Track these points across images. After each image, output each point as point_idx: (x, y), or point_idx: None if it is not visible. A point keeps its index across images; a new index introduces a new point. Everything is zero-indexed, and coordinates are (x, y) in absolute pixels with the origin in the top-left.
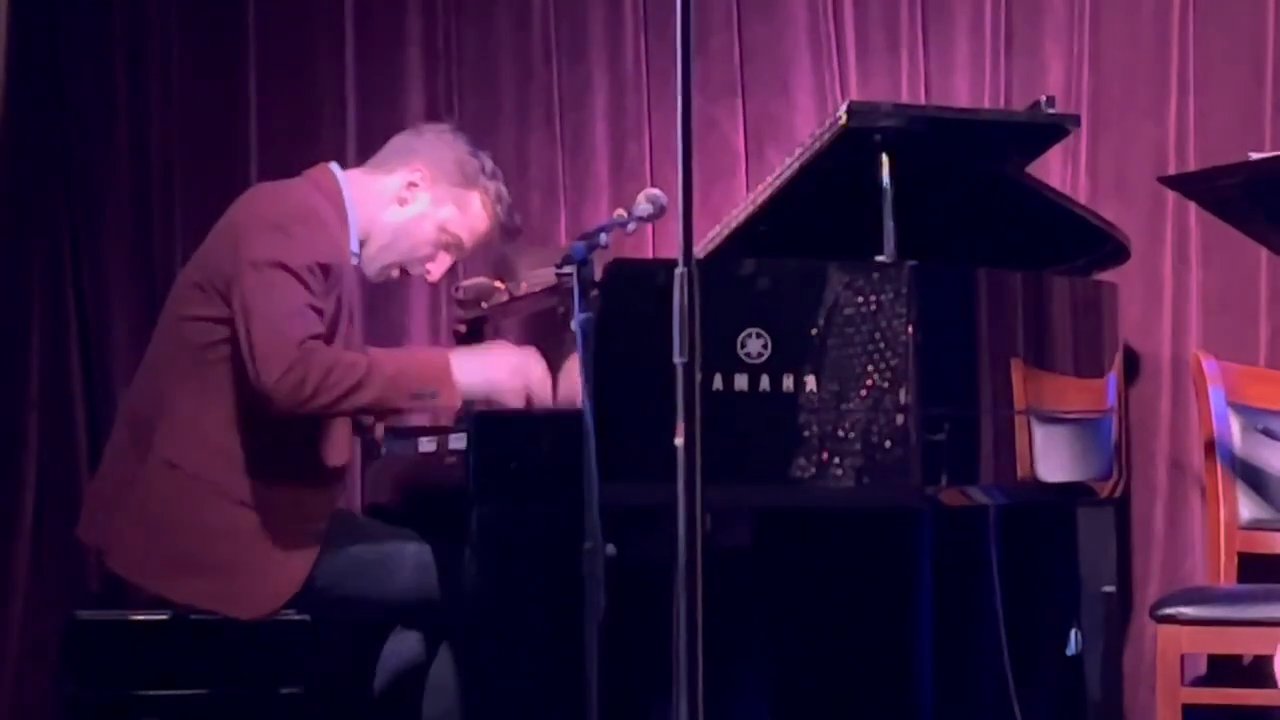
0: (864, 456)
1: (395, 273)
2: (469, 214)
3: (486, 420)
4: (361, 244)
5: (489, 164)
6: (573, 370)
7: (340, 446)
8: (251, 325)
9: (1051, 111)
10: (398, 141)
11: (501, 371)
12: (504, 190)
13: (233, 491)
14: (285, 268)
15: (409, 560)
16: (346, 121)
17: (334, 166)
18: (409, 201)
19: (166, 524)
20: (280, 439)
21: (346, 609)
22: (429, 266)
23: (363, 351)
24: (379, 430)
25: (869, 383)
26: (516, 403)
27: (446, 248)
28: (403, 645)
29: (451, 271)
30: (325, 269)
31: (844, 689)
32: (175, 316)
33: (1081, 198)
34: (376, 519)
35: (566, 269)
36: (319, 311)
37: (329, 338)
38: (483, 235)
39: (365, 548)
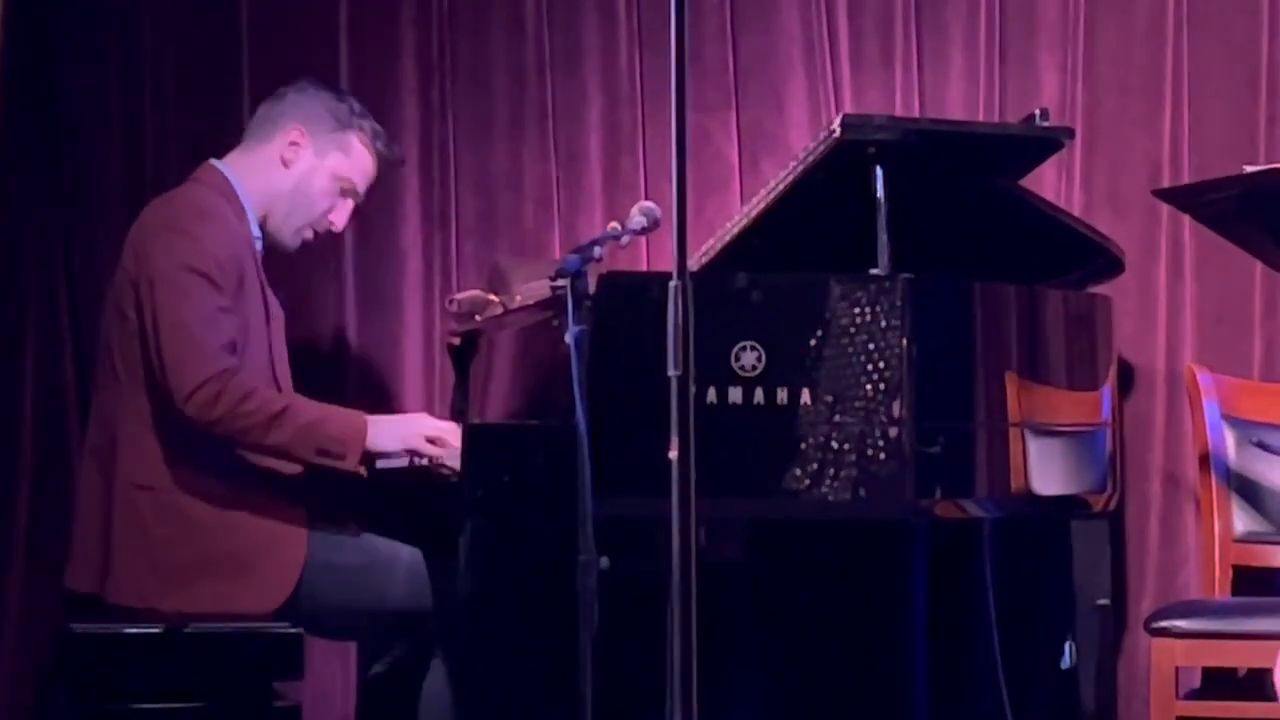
0: (858, 469)
1: (308, 234)
2: (353, 155)
3: (480, 433)
4: (264, 221)
5: (355, 104)
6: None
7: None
8: (162, 335)
9: (1046, 124)
10: (262, 111)
11: (418, 436)
12: (377, 126)
13: (206, 496)
14: (189, 268)
15: (402, 572)
16: None
17: (214, 161)
18: (293, 161)
19: (157, 544)
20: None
21: (339, 621)
22: (331, 218)
23: (284, 370)
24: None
25: (863, 396)
26: (435, 455)
27: (343, 194)
28: (395, 657)
29: (446, 285)
30: (229, 260)
31: (838, 702)
32: (105, 344)
33: (1076, 210)
34: (369, 531)
35: (560, 282)
36: (230, 313)
37: (243, 341)
38: (371, 173)
39: (358, 560)
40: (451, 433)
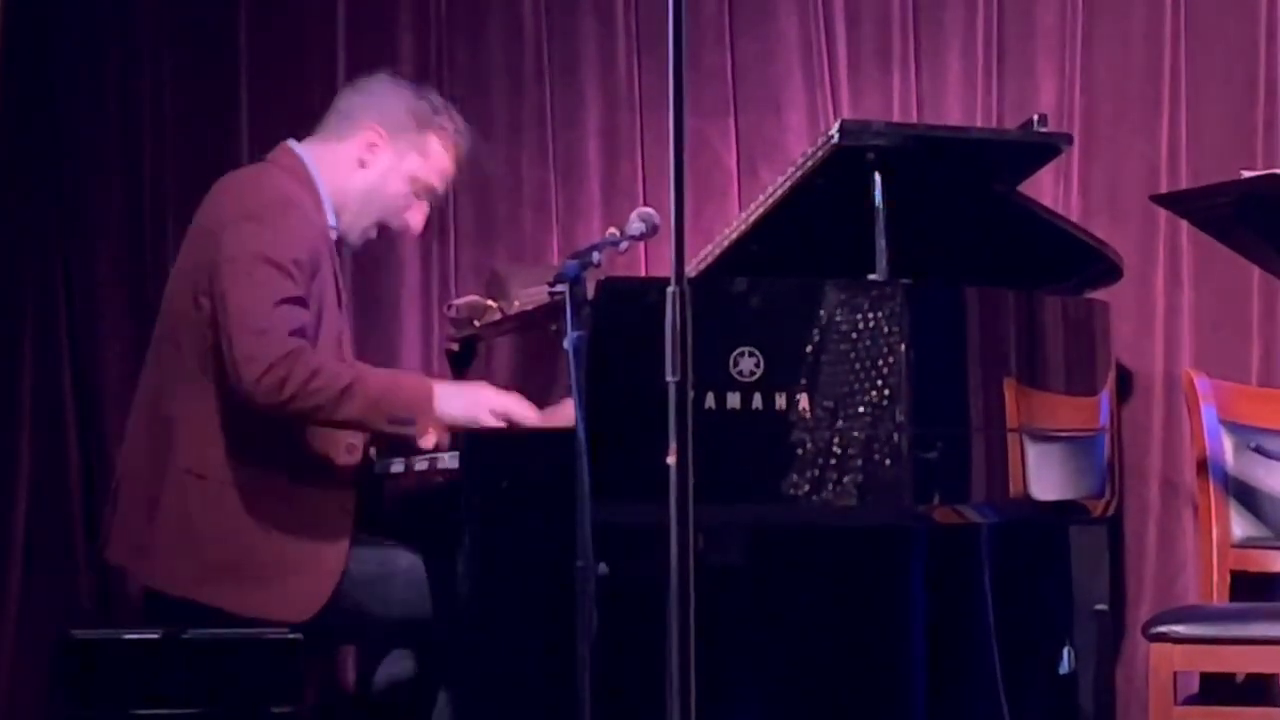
0: (856, 475)
1: (374, 232)
2: (432, 157)
3: (479, 439)
4: (337, 214)
5: (437, 100)
6: (558, 412)
7: (353, 443)
8: (231, 322)
9: (1044, 130)
10: (343, 104)
11: (483, 410)
12: (459, 119)
13: (258, 493)
14: (266, 259)
15: (401, 578)
16: None
17: (293, 144)
18: (371, 162)
19: (201, 534)
20: (287, 438)
21: (342, 626)
22: (407, 218)
23: (349, 352)
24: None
25: (861, 401)
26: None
27: (419, 195)
28: (396, 664)
29: (444, 290)
30: (307, 254)
31: (837, 707)
32: (170, 325)
33: (1074, 216)
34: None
35: (559, 287)
36: (302, 303)
37: (315, 328)
38: (451, 174)
39: (358, 566)
40: (517, 403)
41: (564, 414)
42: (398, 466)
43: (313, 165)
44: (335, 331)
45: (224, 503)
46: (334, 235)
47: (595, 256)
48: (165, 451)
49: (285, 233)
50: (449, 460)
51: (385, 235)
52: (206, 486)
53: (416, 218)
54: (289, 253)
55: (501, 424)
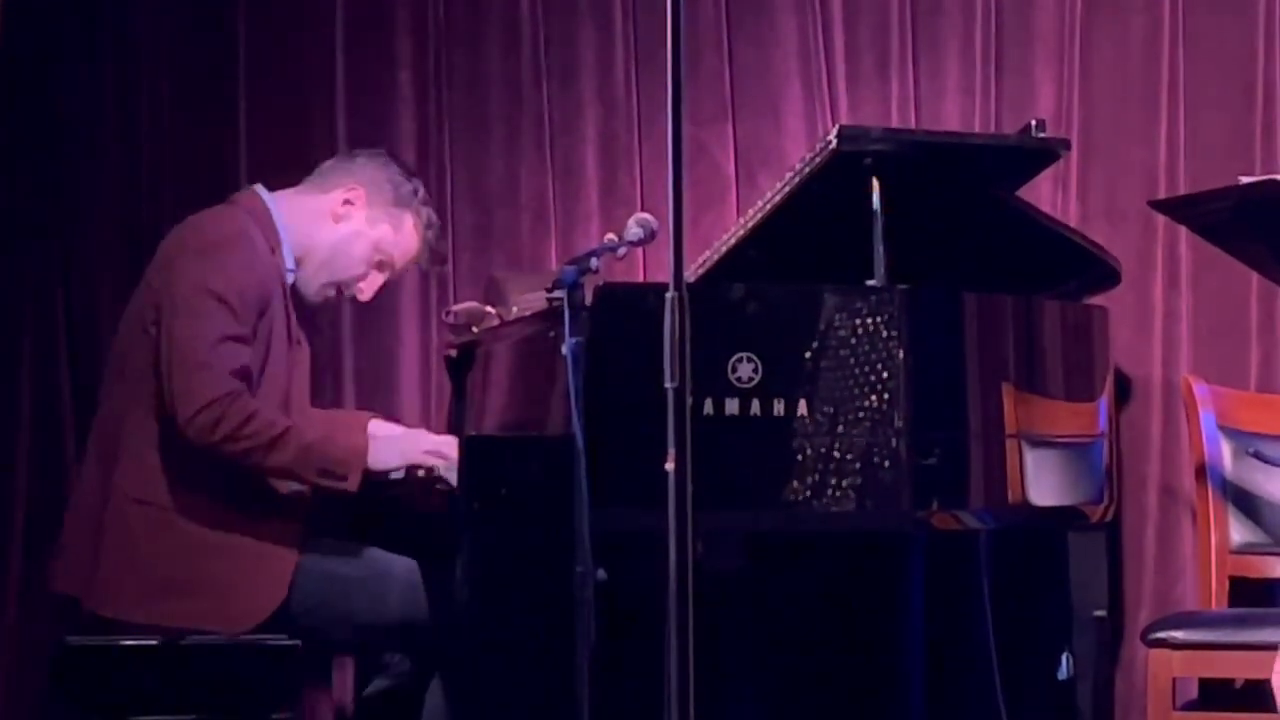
0: (854, 480)
1: (331, 292)
2: (402, 234)
3: (477, 444)
4: (298, 262)
5: (421, 189)
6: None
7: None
8: (173, 355)
9: (1042, 135)
10: (332, 163)
11: (418, 452)
12: (434, 216)
13: (199, 515)
14: (211, 292)
15: (399, 583)
16: (337, 145)
17: (259, 189)
18: (344, 218)
19: (145, 557)
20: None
21: (337, 632)
22: (360, 286)
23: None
24: None
25: (860, 407)
26: (436, 464)
27: (379, 266)
28: (392, 670)
29: (442, 297)
30: (254, 291)
31: (836, 712)
32: (121, 355)
33: (1072, 221)
34: (365, 542)
35: (557, 293)
36: (244, 341)
37: (260, 366)
38: (413, 256)
39: (355, 571)
40: (450, 446)
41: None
42: (397, 473)
43: (277, 210)
44: (283, 371)
45: (166, 527)
46: (290, 278)
47: (593, 262)
48: (111, 479)
49: (233, 268)
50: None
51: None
52: (149, 513)
53: (369, 287)
54: (235, 288)
55: (439, 461)
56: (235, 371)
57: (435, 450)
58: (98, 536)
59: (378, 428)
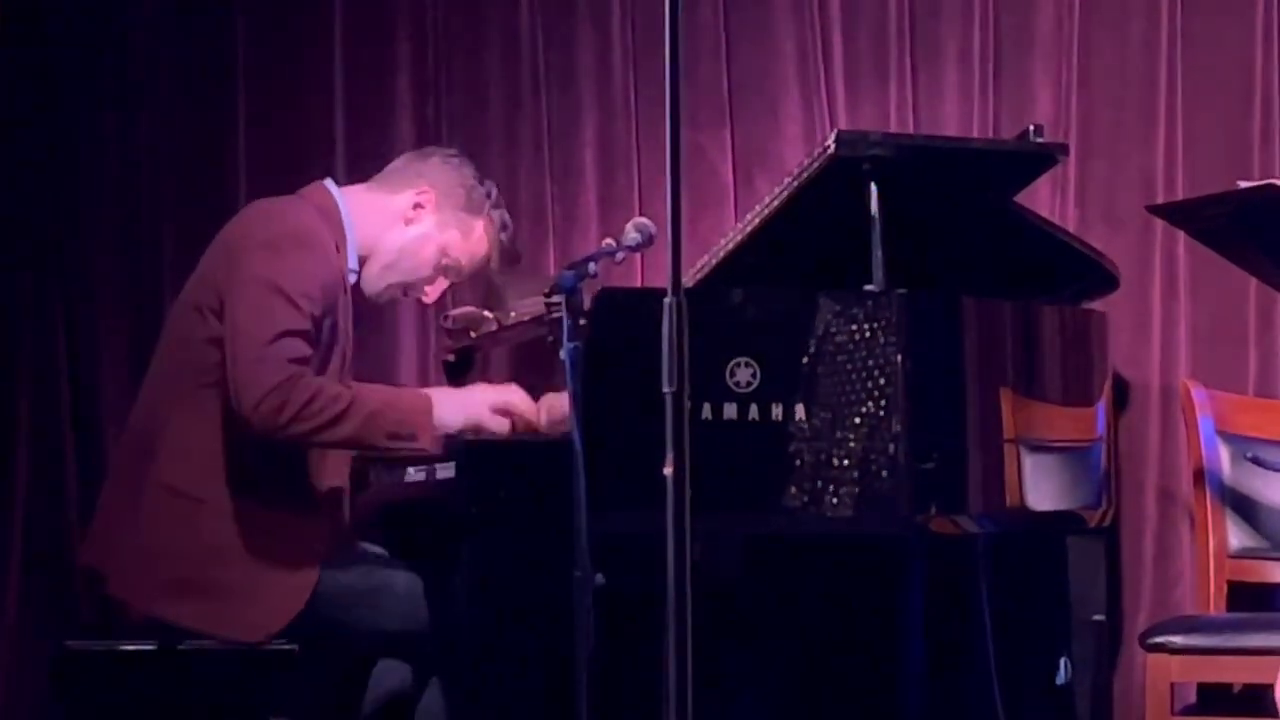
0: (853, 485)
1: (398, 293)
2: (471, 239)
3: (476, 449)
4: (362, 262)
5: (494, 192)
6: (555, 401)
7: (334, 469)
8: (236, 345)
9: (1040, 140)
10: (403, 162)
11: (483, 410)
12: (507, 218)
13: (232, 514)
14: (277, 289)
15: (399, 590)
16: (336, 150)
17: (329, 184)
18: (414, 221)
19: (168, 548)
20: (275, 461)
21: (336, 639)
22: (427, 289)
23: (349, 381)
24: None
25: (858, 412)
26: (501, 431)
27: (445, 271)
28: (391, 675)
29: (440, 300)
30: (319, 291)
31: (834, 717)
32: (173, 339)
33: (1070, 226)
34: (367, 551)
35: (555, 298)
36: (306, 337)
37: (321, 363)
38: (481, 261)
39: (356, 577)
40: (515, 394)
41: (560, 405)
42: (393, 477)
43: (346, 208)
44: (339, 371)
45: (191, 520)
46: (352, 279)
47: (592, 267)
48: (147, 463)
49: (301, 266)
50: (445, 470)
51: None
52: (179, 501)
53: (434, 291)
54: (301, 286)
55: (504, 422)
56: (294, 360)
57: (501, 406)
58: (129, 519)
59: (440, 391)
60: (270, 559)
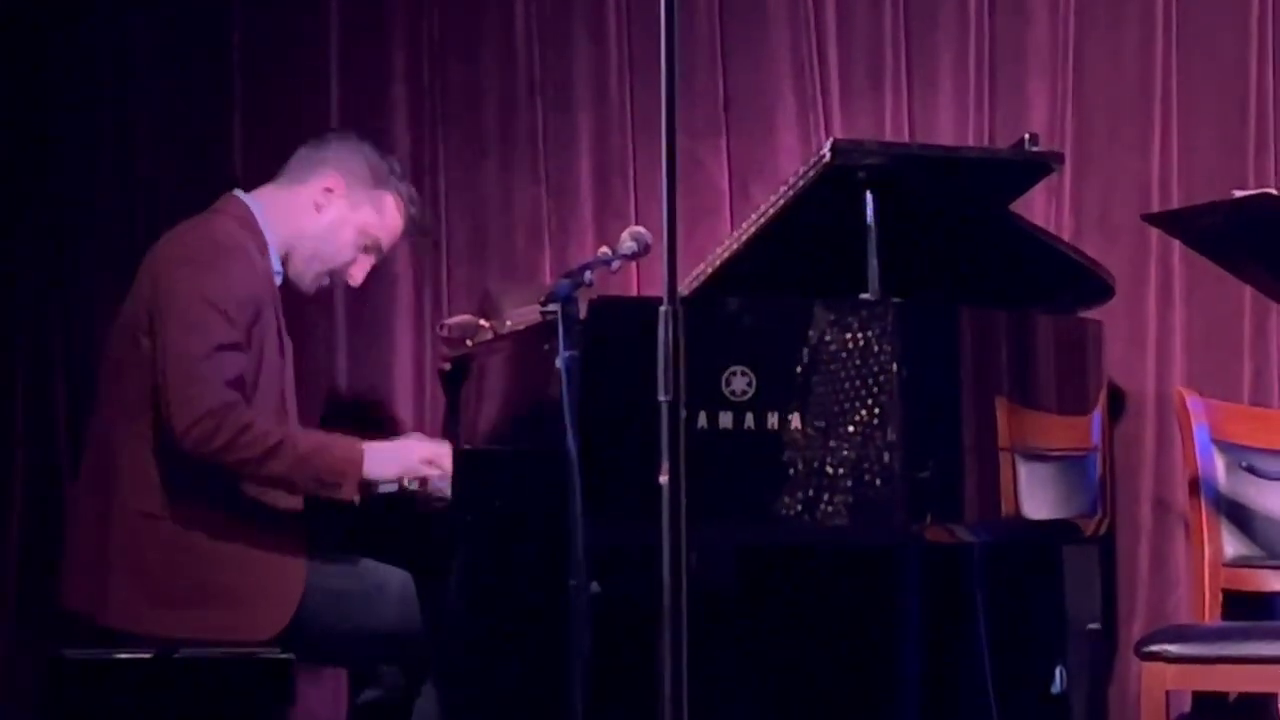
0: (848, 494)
1: (325, 280)
2: (385, 215)
3: (471, 457)
4: (285, 260)
5: (397, 166)
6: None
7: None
8: (168, 366)
9: (1035, 149)
10: (304, 153)
11: (414, 461)
12: (414, 191)
13: (205, 527)
14: (208, 303)
15: (393, 595)
16: None
17: (239, 192)
18: (325, 207)
19: (159, 570)
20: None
21: (331, 644)
22: (351, 272)
23: (290, 400)
24: None
25: (854, 420)
26: (434, 476)
27: (366, 250)
28: (385, 682)
29: (437, 310)
30: (248, 298)
31: None
32: (113, 366)
33: (1065, 235)
34: (359, 555)
35: (551, 307)
36: (239, 349)
37: (255, 374)
38: (398, 235)
39: (350, 582)
40: (445, 455)
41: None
42: (390, 486)
43: (260, 212)
44: (276, 379)
45: (174, 539)
46: (278, 280)
47: (587, 276)
48: (112, 493)
49: (226, 277)
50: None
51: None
52: (155, 525)
53: (359, 271)
54: (230, 296)
55: (438, 471)
56: (231, 381)
57: (431, 459)
58: (104, 551)
59: (372, 443)
60: (255, 560)
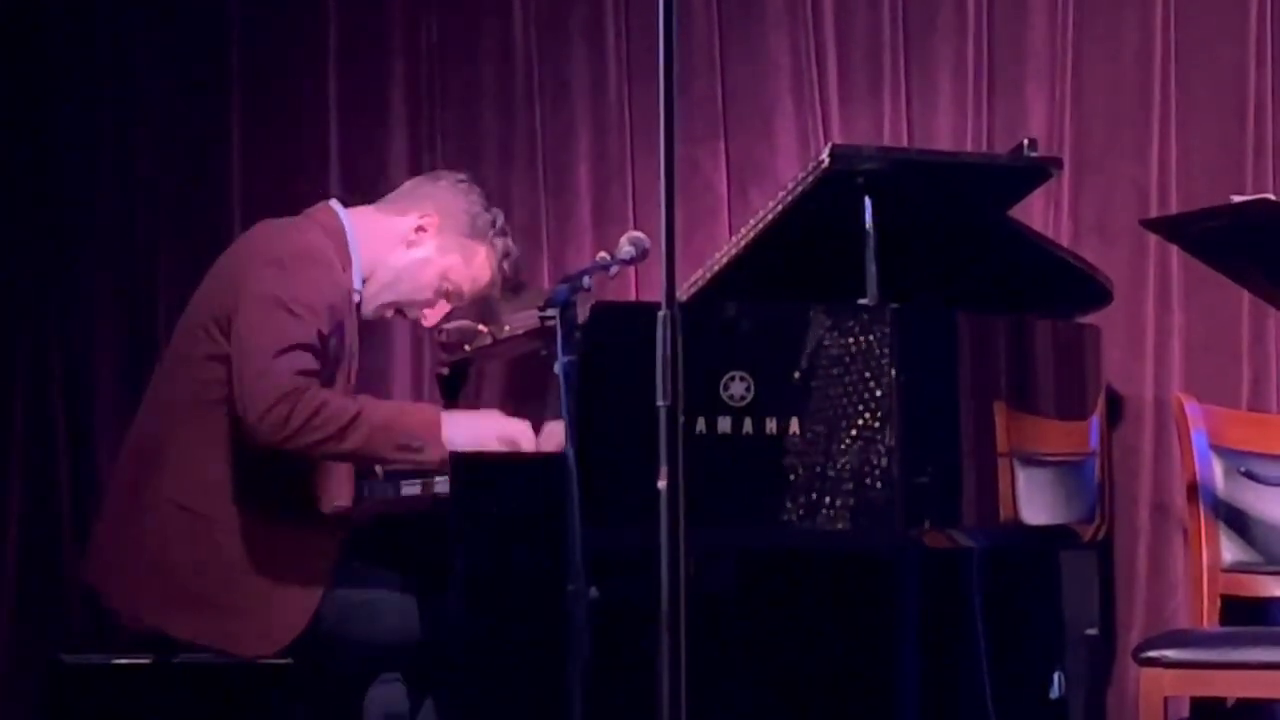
0: (846, 499)
1: (390, 312)
2: (473, 266)
3: (469, 463)
4: (365, 282)
5: (500, 220)
6: (554, 429)
7: (340, 489)
8: (242, 358)
9: (1033, 154)
10: (412, 185)
11: (490, 439)
12: (512, 246)
13: (240, 531)
14: (283, 305)
15: (393, 603)
16: (330, 165)
17: (335, 204)
18: (416, 245)
19: (176, 563)
20: (281, 479)
21: (332, 651)
22: (425, 311)
23: (353, 396)
24: (379, 470)
25: (852, 425)
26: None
27: (446, 295)
28: (386, 691)
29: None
30: (326, 308)
31: None
32: (178, 356)
33: (1064, 240)
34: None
35: (550, 312)
36: (312, 350)
37: (326, 380)
38: (483, 288)
39: (350, 590)
40: (523, 434)
41: (559, 435)
42: (388, 491)
43: (351, 228)
44: (344, 389)
45: (202, 536)
46: (356, 299)
47: (586, 280)
48: (152, 479)
49: (307, 283)
50: (440, 485)
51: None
52: (188, 519)
53: (434, 314)
54: (308, 301)
55: (508, 449)
56: (301, 372)
57: (508, 437)
58: (132, 534)
59: (449, 411)
60: (278, 576)
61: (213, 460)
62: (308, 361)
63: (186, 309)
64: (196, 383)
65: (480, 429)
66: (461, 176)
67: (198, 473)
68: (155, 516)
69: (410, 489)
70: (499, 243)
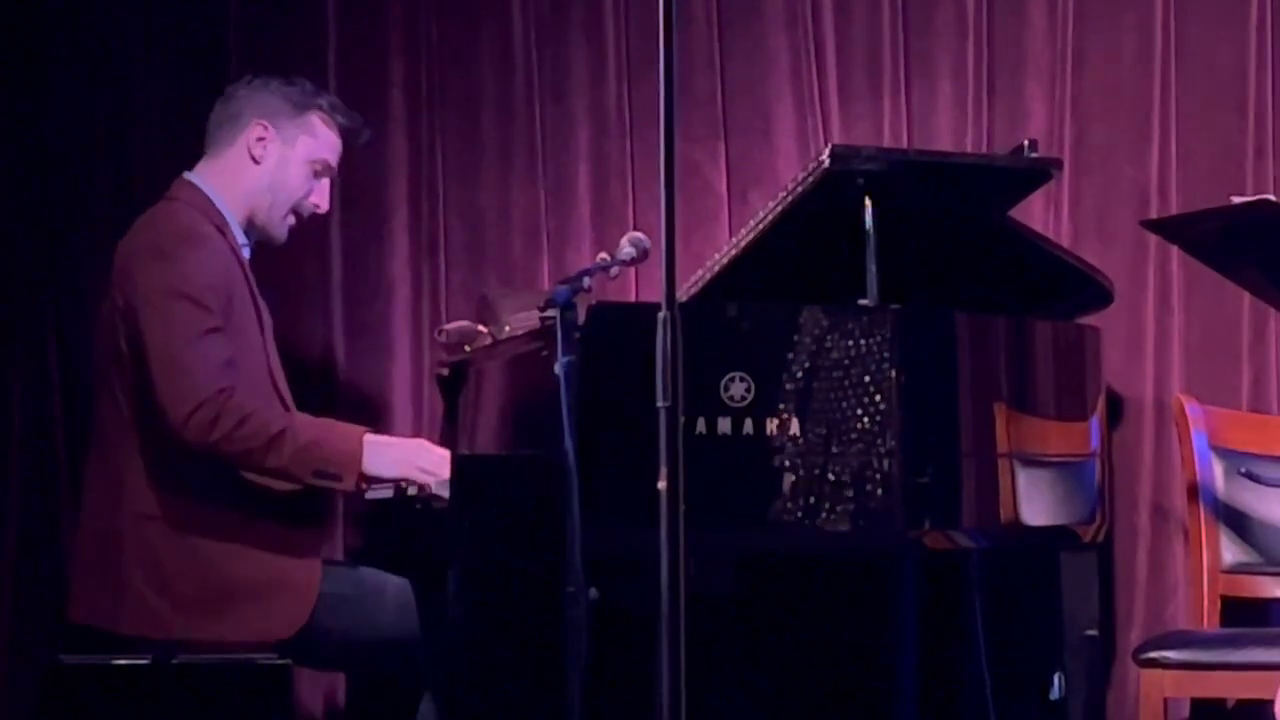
0: (847, 500)
1: (292, 220)
2: (320, 135)
3: (469, 464)
4: (249, 221)
5: (307, 84)
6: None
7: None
8: (154, 362)
9: (1034, 155)
10: (216, 116)
11: (411, 465)
12: (333, 98)
13: (209, 526)
14: (178, 293)
15: (391, 602)
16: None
17: (188, 175)
18: (265, 155)
19: (169, 573)
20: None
21: (330, 650)
22: (314, 200)
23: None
24: None
25: (852, 426)
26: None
27: (318, 175)
28: (383, 689)
29: (435, 315)
30: (219, 281)
31: None
32: (101, 375)
33: (1064, 241)
34: (358, 562)
35: (549, 312)
36: (220, 332)
37: (241, 354)
38: (340, 147)
39: (348, 586)
40: (445, 465)
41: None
42: (387, 491)
43: (208, 187)
44: (263, 360)
45: (182, 540)
46: (246, 253)
47: (586, 281)
48: (116, 498)
49: (194, 265)
50: (439, 486)
51: (321, 264)
52: (162, 527)
53: (321, 197)
54: (198, 283)
55: (429, 480)
56: (221, 365)
57: (429, 469)
58: (116, 560)
59: (374, 437)
60: (275, 552)
61: (153, 467)
62: (221, 347)
63: (97, 326)
64: (124, 394)
65: (402, 459)
66: (246, 78)
67: (151, 481)
68: (132, 535)
69: (381, 492)
70: (323, 100)
